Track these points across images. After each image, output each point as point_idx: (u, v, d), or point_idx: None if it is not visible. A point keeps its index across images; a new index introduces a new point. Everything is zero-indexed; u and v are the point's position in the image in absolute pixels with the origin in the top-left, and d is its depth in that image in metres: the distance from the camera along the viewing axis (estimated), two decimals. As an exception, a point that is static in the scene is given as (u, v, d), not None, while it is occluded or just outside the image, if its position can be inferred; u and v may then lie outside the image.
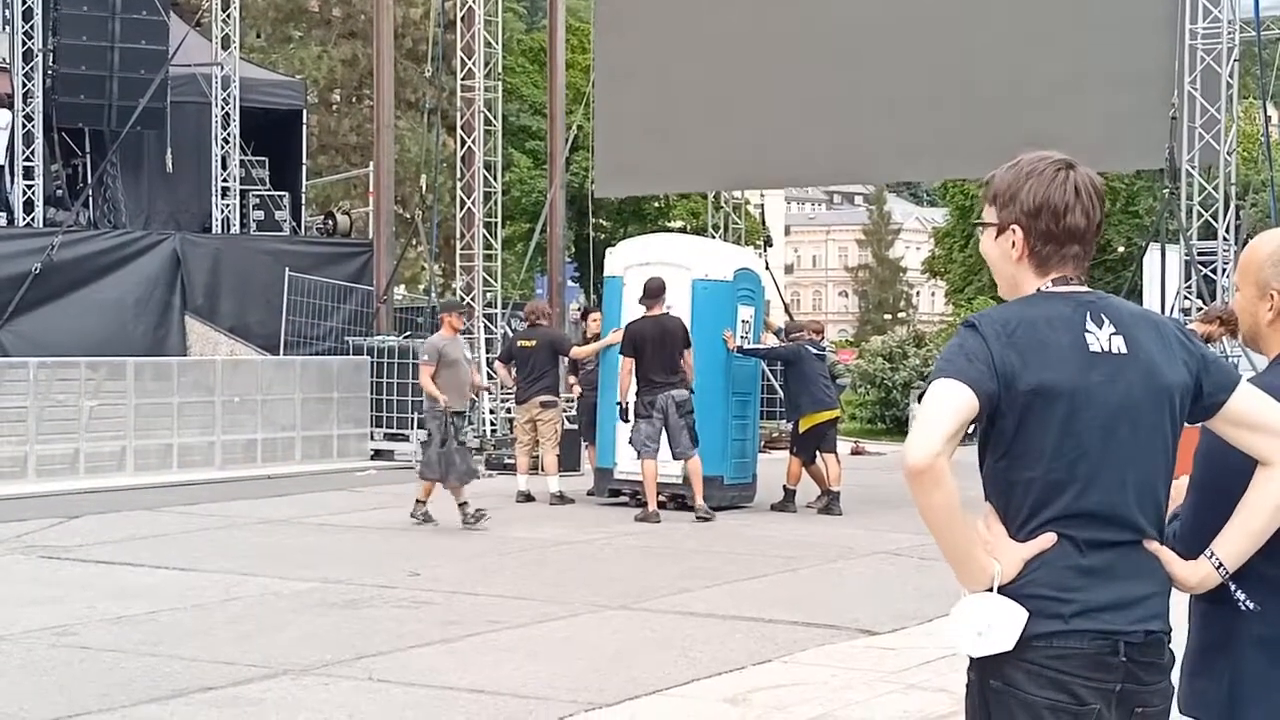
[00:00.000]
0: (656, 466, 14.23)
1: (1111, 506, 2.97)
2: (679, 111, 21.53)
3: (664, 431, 14.19)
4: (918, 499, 2.88)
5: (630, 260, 15.72)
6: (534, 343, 15.87)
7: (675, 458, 14.32)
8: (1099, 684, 2.93)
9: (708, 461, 14.52)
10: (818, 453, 15.12)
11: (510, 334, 22.57)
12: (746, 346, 15.24)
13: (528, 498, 15.63)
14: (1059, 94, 18.77)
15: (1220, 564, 3.07)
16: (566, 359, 16.42)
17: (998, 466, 3.00)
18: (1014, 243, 3.06)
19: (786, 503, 15.12)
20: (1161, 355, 3.04)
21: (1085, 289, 3.09)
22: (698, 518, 14.02)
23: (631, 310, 14.91)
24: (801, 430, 15.19)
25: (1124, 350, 3.01)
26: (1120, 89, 18.34)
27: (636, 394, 14.30)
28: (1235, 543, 3.06)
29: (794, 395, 15.43)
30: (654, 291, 14.50)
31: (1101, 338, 3.00)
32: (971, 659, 3.00)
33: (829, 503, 15.00)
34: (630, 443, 14.48)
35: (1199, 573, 3.08)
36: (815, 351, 15.40)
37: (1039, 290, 3.06)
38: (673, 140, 21.71)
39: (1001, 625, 2.89)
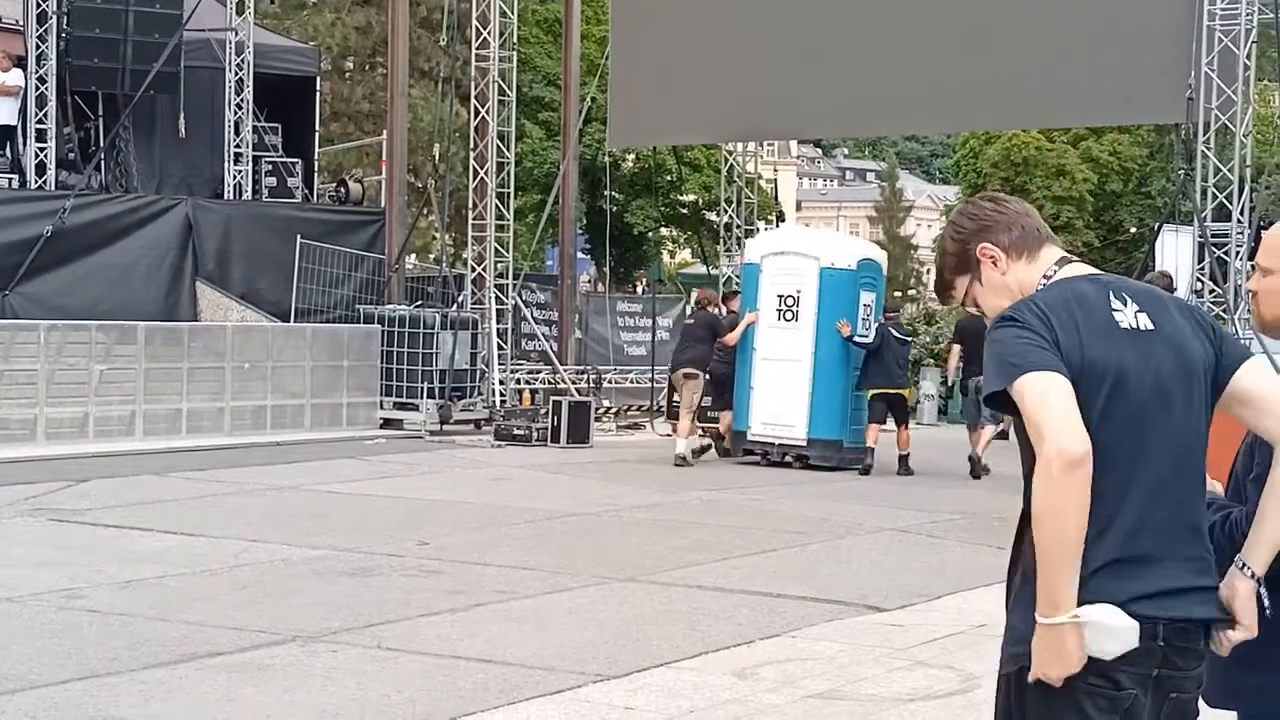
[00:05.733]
0: (979, 436, 16.45)
1: (1155, 490, 2.93)
2: (694, 63, 21.45)
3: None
4: (1067, 494, 2.77)
5: (766, 249, 17.85)
6: (694, 321, 18.28)
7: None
8: (1138, 669, 2.90)
9: (829, 428, 16.68)
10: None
11: (522, 305, 22.89)
12: (856, 338, 16.65)
13: (684, 460, 16.88)
14: (1075, 47, 18.66)
15: (1253, 573, 3.03)
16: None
17: None
18: (992, 257, 3.13)
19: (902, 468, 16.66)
20: (1186, 328, 3.03)
21: (1097, 271, 3.09)
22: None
23: (767, 293, 17.09)
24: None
25: (1150, 326, 2.99)
26: (1138, 44, 18.19)
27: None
28: (1262, 551, 3.02)
29: (865, 366, 16.75)
30: None
31: (1128, 315, 2.99)
32: (1005, 640, 2.97)
33: (867, 465, 16.49)
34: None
35: (1242, 590, 3.01)
36: (898, 335, 16.96)
37: (1049, 278, 3.07)
38: (687, 92, 21.67)
39: (1112, 632, 2.84)
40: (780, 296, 17.03)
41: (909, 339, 18.31)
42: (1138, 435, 2.93)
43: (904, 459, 16.59)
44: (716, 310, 18.33)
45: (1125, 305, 3.00)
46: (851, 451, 16.80)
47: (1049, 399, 2.83)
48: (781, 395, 16.83)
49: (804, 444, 16.68)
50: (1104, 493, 2.87)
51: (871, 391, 16.66)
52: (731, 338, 17.34)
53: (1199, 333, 3.04)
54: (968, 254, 3.16)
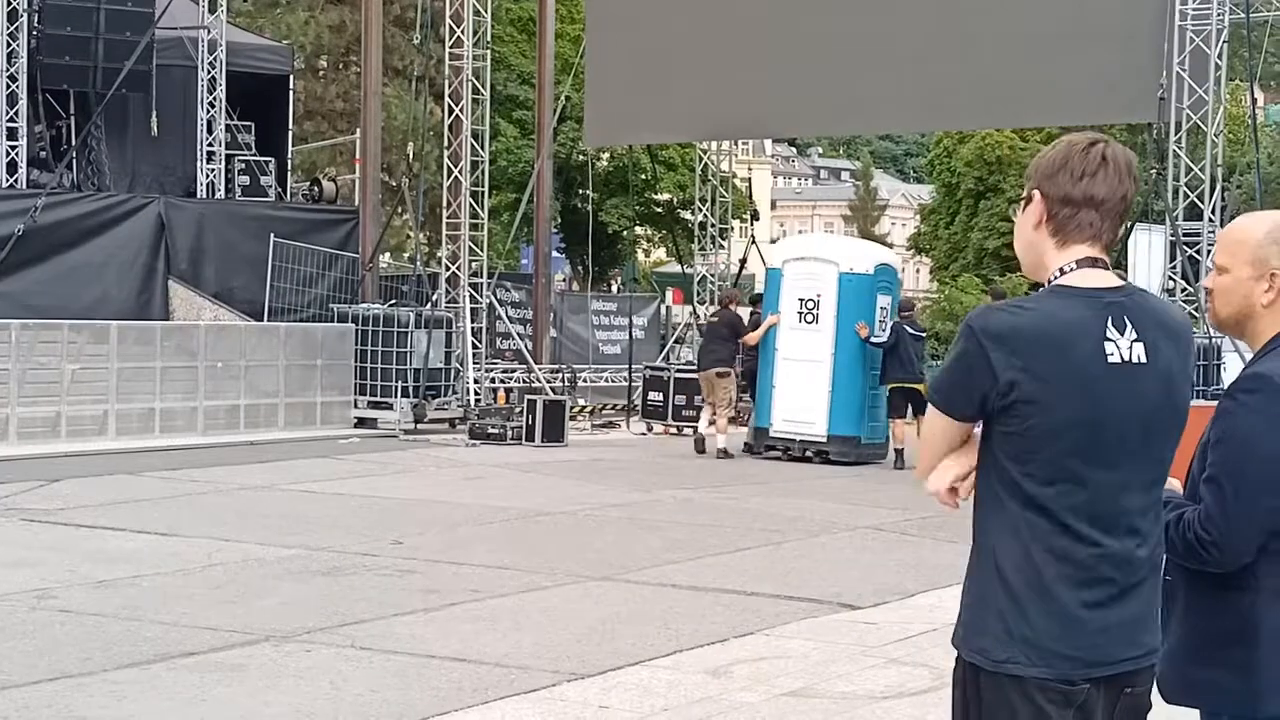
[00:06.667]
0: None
1: (1131, 524, 2.90)
2: (668, 62, 21.52)
3: None
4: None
5: (788, 255, 18.76)
6: (717, 320, 18.91)
7: None
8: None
9: (848, 425, 17.45)
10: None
11: (496, 304, 22.90)
12: (873, 340, 17.46)
13: (725, 453, 17.64)
14: (1048, 48, 18.75)
15: None
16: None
17: (1010, 464, 2.91)
18: (1038, 211, 2.96)
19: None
20: (1175, 365, 2.96)
21: (1112, 284, 2.93)
22: None
23: (789, 297, 17.84)
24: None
25: (1143, 360, 2.90)
26: (1110, 44, 18.29)
27: None
28: None
29: (884, 365, 17.49)
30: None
31: (1122, 346, 2.88)
32: (965, 632, 2.96)
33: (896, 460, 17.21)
34: None
35: None
36: (913, 332, 17.66)
37: (1059, 280, 2.93)
38: (662, 91, 21.74)
39: None
40: (801, 300, 17.86)
41: (923, 334, 19.03)
42: (1114, 472, 2.88)
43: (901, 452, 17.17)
44: (735, 307, 19.17)
45: (1122, 334, 2.89)
46: (868, 447, 17.75)
47: (928, 438, 3.01)
48: (802, 394, 17.68)
49: (824, 440, 17.57)
50: (1081, 524, 2.87)
51: (890, 386, 17.40)
52: (752, 338, 18.27)
53: (1189, 372, 3.00)
54: (1029, 189, 3.00)
